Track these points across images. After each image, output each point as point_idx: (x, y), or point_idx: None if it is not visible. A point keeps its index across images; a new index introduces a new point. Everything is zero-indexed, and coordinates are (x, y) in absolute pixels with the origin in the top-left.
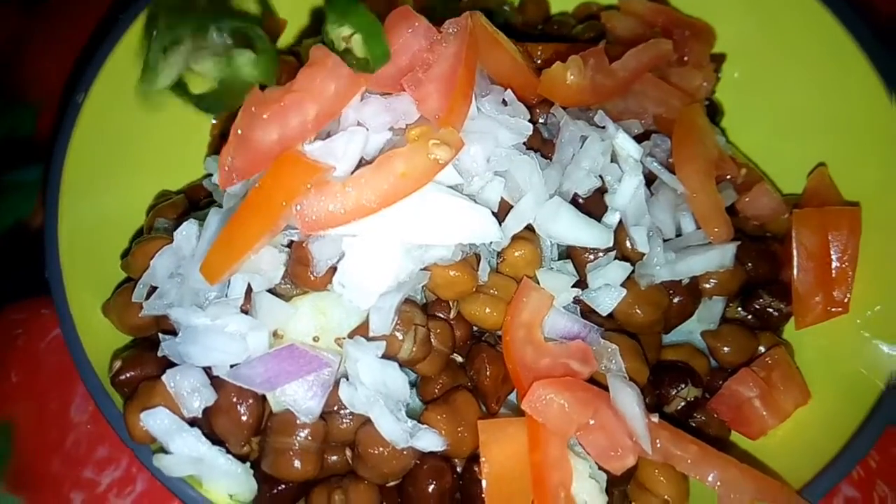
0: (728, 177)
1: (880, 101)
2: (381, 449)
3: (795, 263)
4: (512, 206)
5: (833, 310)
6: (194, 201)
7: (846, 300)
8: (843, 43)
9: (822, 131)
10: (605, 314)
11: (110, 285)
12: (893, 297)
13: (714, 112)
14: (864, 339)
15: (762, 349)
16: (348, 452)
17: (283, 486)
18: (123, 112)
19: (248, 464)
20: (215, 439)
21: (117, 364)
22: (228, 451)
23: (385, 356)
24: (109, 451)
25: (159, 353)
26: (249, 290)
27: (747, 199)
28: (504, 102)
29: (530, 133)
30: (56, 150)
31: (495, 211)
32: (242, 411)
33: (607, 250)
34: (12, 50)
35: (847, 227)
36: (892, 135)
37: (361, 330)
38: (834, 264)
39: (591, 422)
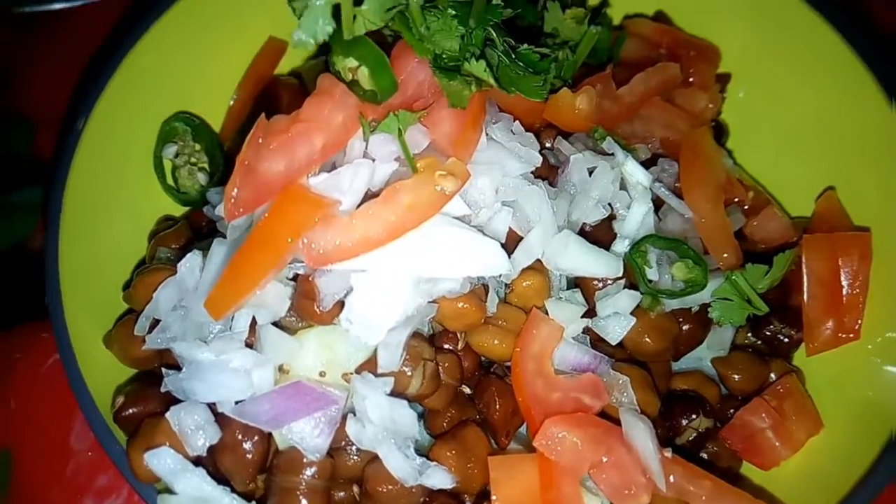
0: (736, 200)
1: (888, 122)
2: (389, 486)
3: (806, 289)
4: (520, 236)
5: (844, 336)
6: (196, 228)
7: (857, 326)
8: (850, 62)
9: (830, 152)
10: (614, 343)
11: (111, 314)
12: None
13: (720, 133)
14: (875, 366)
15: (773, 376)
16: (356, 489)
17: None
18: (123, 137)
19: (254, 503)
20: (220, 478)
21: (120, 400)
22: (234, 490)
23: (393, 393)
24: (110, 480)
25: (162, 389)
26: (254, 323)
27: (755, 224)
28: (512, 132)
29: (539, 163)
30: (56, 176)
31: (503, 242)
32: (248, 449)
33: (616, 279)
34: (10, 68)
35: (857, 252)
36: None
37: (369, 365)
38: (845, 290)
39: (605, 459)
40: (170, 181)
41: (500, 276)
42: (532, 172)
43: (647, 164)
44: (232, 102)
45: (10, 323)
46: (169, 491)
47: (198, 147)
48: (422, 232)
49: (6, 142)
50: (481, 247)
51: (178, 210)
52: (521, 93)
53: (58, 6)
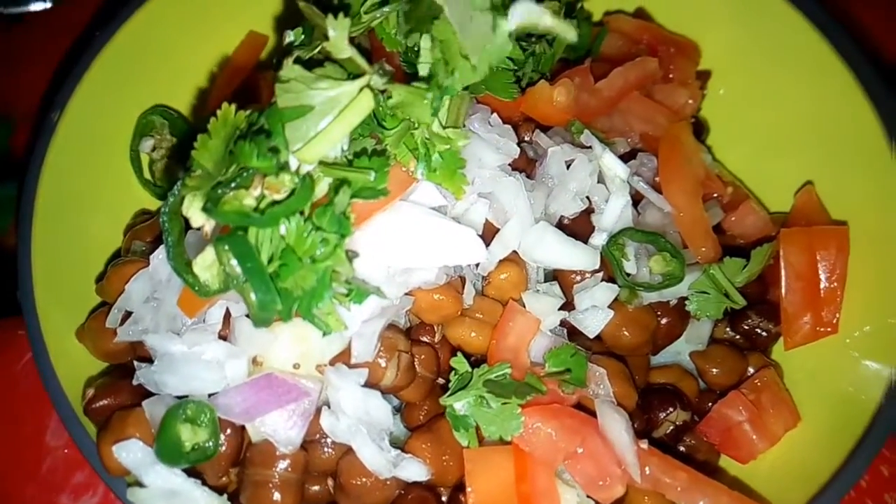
0: (714, 195)
1: (867, 119)
2: (363, 479)
3: (783, 283)
4: (497, 228)
5: (822, 330)
6: None
7: (835, 320)
8: (829, 59)
9: (809, 149)
10: (592, 336)
11: (85, 308)
12: (882, 317)
13: (700, 130)
14: (853, 360)
15: (751, 370)
16: (330, 483)
17: None
18: (100, 130)
19: (226, 496)
20: (192, 471)
21: (90, 392)
22: (205, 484)
23: (368, 384)
24: (86, 477)
25: (134, 382)
26: (228, 314)
27: (734, 218)
28: (490, 123)
29: (517, 155)
30: (30, 168)
31: (480, 233)
32: (220, 442)
33: (594, 272)
34: None
35: (835, 246)
36: (879, 152)
37: (343, 357)
38: (822, 284)
39: (580, 450)
40: (147, 175)
41: (477, 267)
42: (510, 165)
43: (626, 159)
44: (211, 96)
45: None
46: (139, 484)
47: (175, 141)
48: (396, 222)
49: None
50: (457, 236)
51: (155, 204)
52: (490, 91)
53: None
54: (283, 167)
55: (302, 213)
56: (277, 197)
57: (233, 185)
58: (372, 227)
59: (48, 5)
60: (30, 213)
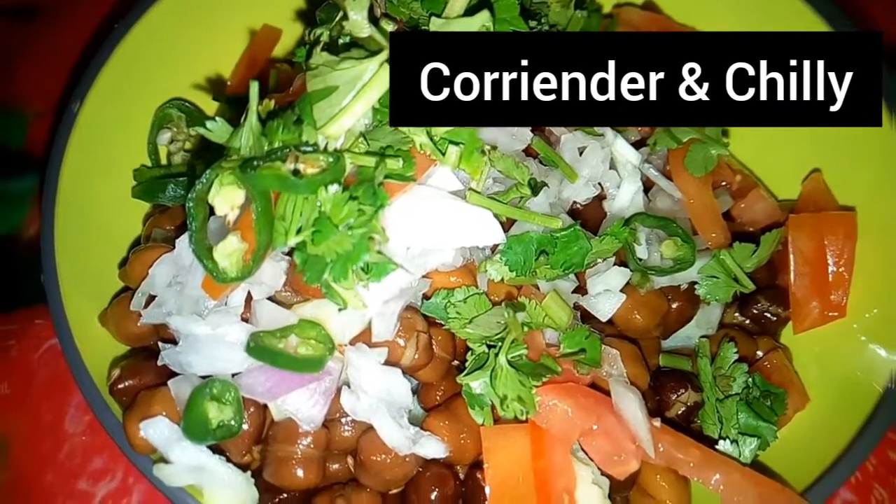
0: (724, 183)
1: None
2: (383, 456)
3: (792, 268)
4: None
5: (830, 314)
6: None
7: (843, 304)
8: None
9: (817, 136)
10: (604, 320)
11: (107, 295)
12: (890, 302)
13: None
14: (861, 343)
15: (760, 354)
16: (350, 460)
17: (285, 494)
18: (119, 121)
19: (250, 473)
20: (216, 448)
21: (116, 373)
22: (229, 460)
23: (387, 363)
24: (105, 463)
25: (159, 363)
26: (249, 297)
27: (743, 205)
28: None
29: (531, 140)
30: (52, 158)
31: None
32: (244, 419)
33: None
34: (4, 59)
35: (843, 232)
36: (887, 139)
37: (363, 337)
38: (830, 269)
39: (595, 427)
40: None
41: (497, 249)
42: (524, 150)
43: (637, 146)
44: (227, 88)
45: (3, 310)
46: (164, 461)
47: (192, 133)
48: (415, 204)
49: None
50: (474, 217)
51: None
52: None
53: None
54: (315, 147)
55: (339, 183)
56: (311, 171)
57: (268, 158)
58: (391, 210)
59: None
60: (52, 202)
